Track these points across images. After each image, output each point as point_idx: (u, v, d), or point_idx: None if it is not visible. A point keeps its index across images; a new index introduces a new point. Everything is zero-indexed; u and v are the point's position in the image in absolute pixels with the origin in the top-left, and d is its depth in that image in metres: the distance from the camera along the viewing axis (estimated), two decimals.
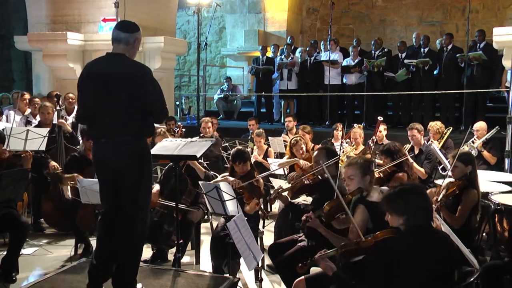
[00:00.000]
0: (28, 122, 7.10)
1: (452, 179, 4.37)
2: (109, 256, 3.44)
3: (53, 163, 5.92)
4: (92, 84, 3.36)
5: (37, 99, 7.46)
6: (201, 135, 7.27)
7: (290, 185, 4.42)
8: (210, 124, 7.41)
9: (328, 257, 2.99)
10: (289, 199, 4.54)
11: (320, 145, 7.27)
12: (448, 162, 4.55)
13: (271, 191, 6.15)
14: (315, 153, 4.43)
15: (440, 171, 6.07)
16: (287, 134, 7.82)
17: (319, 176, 4.19)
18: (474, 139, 6.56)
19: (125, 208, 3.38)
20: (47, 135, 5.81)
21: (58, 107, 6.48)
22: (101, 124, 3.37)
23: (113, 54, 3.39)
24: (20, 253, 4.71)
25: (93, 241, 4.33)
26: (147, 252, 5.09)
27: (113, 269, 3.45)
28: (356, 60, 9.75)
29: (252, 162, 6.44)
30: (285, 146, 6.73)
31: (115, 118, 3.31)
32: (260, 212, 4.63)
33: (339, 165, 5.06)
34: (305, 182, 4.20)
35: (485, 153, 6.45)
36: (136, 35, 3.41)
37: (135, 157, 3.36)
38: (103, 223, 3.51)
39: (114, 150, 3.33)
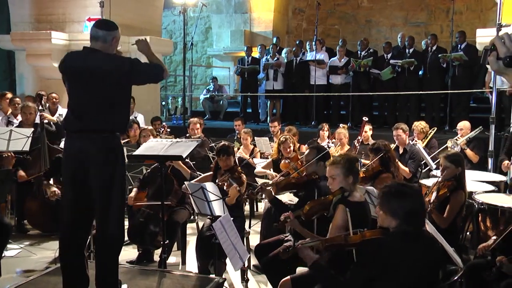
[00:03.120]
0: (9, 122, 7.00)
1: (439, 179, 4.40)
2: (75, 258, 3.38)
3: (53, 188, 5.48)
4: (70, 79, 3.34)
5: (17, 99, 7.37)
6: (188, 135, 7.24)
7: (275, 180, 4.41)
8: (198, 126, 7.37)
9: (311, 247, 2.98)
10: (273, 194, 4.52)
11: (306, 145, 7.30)
12: (439, 162, 4.58)
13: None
14: (306, 152, 4.42)
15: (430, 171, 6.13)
16: (273, 141, 7.70)
17: (306, 176, 4.19)
18: (458, 137, 6.64)
19: (96, 208, 3.33)
20: (31, 135, 5.74)
21: (40, 107, 6.40)
22: (76, 119, 3.32)
23: (90, 48, 3.36)
24: (3, 255, 4.64)
25: None
26: (133, 252, 5.06)
27: (85, 271, 3.40)
28: (343, 60, 9.80)
29: (237, 159, 6.44)
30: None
31: (89, 114, 3.27)
32: (245, 203, 4.61)
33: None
34: (292, 181, 4.20)
35: (468, 151, 6.53)
36: (114, 34, 3.37)
37: (108, 154, 3.31)
38: (66, 223, 3.40)
39: (86, 146, 3.28)
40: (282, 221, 3.54)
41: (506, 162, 5.27)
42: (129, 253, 5.06)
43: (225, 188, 4.51)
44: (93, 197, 3.33)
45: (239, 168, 4.89)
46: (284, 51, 11.07)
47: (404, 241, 2.64)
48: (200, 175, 5.28)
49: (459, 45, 8.85)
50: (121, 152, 3.41)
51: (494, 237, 3.70)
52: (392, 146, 6.27)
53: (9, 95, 7.62)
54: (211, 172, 5.07)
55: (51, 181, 5.62)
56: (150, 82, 3.55)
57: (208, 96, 12.25)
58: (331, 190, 3.52)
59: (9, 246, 5.08)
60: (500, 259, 3.21)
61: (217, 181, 4.63)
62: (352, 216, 3.25)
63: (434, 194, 4.19)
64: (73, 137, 3.37)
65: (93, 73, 3.25)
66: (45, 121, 6.29)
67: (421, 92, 8.90)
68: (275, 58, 10.56)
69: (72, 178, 3.36)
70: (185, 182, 4.59)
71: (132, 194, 5.06)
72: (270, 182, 4.43)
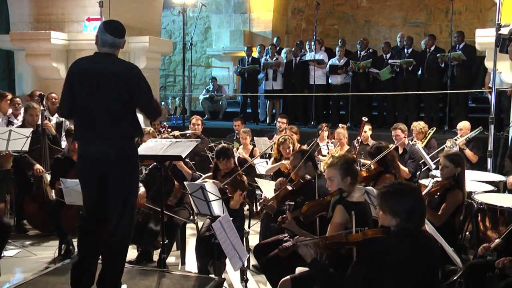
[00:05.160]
0: (9, 123, 6.99)
1: (439, 178, 4.40)
2: (91, 258, 3.42)
3: (38, 166, 5.83)
4: (84, 82, 3.30)
5: (18, 99, 7.35)
6: (188, 134, 7.25)
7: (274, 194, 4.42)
8: (200, 122, 7.42)
9: (310, 244, 2.98)
10: (276, 207, 4.52)
11: (306, 145, 7.31)
12: (439, 162, 4.57)
13: (257, 192, 6.18)
14: (291, 158, 4.45)
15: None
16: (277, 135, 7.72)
17: (301, 180, 4.21)
18: (457, 137, 6.65)
19: (111, 210, 3.35)
20: (30, 135, 5.73)
21: (42, 108, 6.41)
22: (91, 124, 3.31)
23: (103, 53, 3.35)
24: (2, 255, 4.64)
25: (75, 242, 4.28)
26: (132, 253, 5.06)
27: (95, 271, 3.42)
28: (342, 61, 9.80)
29: (237, 159, 6.45)
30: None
31: (106, 118, 3.27)
32: (246, 204, 4.62)
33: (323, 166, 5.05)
34: (289, 189, 4.20)
35: (467, 151, 6.53)
36: (124, 39, 3.41)
37: (124, 159, 3.33)
38: (84, 226, 3.45)
39: (104, 151, 3.29)
40: (280, 222, 3.54)
41: None
42: (128, 253, 5.04)
43: (228, 193, 4.51)
44: (107, 198, 3.35)
45: (240, 170, 4.88)
46: (283, 51, 11.08)
47: (403, 237, 2.66)
48: (201, 175, 5.29)
49: (457, 45, 8.86)
50: (136, 157, 3.44)
51: (497, 240, 3.67)
52: (392, 146, 6.28)
53: (10, 96, 7.59)
54: (210, 173, 5.07)
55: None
56: (145, 111, 3.42)
57: (207, 96, 12.25)
58: (330, 191, 3.53)
59: (8, 246, 5.08)
60: (502, 260, 3.20)
61: (221, 185, 4.62)
62: (350, 216, 3.26)
63: (426, 190, 4.19)
64: (87, 143, 3.37)
65: (110, 77, 3.25)
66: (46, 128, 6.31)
67: (420, 92, 8.90)
68: (274, 58, 10.57)
69: (88, 181, 3.39)
70: (185, 182, 4.59)
71: (141, 192, 4.88)
72: (270, 197, 4.44)
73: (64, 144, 6.79)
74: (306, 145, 7.37)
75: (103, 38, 3.33)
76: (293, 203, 4.55)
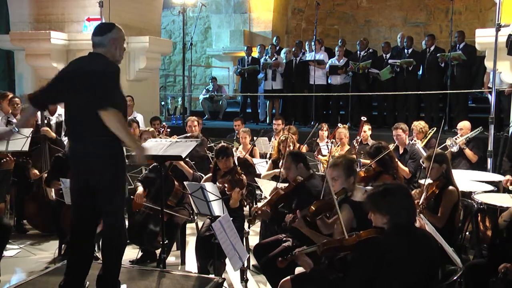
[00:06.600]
0: (8, 122, 6.98)
1: (426, 181, 4.42)
2: (82, 259, 3.42)
3: (34, 171, 5.79)
4: (63, 83, 3.35)
5: (17, 99, 7.35)
6: (188, 135, 7.24)
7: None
8: (196, 123, 7.38)
9: (309, 253, 3.00)
10: (270, 213, 4.50)
11: (305, 145, 7.31)
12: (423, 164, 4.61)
13: (257, 192, 6.18)
14: (284, 161, 4.45)
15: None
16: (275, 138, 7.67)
17: (293, 183, 4.21)
18: (457, 137, 6.65)
19: (101, 209, 3.38)
20: (30, 135, 5.73)
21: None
22: (75, 124, 3.37)
23: (91, 54, 3.39)
24: (2, 255, 4.64)
25: None
26: (133, 252, 5.06)
27: (86, 274, 3.44)
28: (342, 61, 9.81)
29: (236, 159, 6.45)
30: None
31: (86, 118, 3.26)
32: (246, 205, 4.61)
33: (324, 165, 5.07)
34: (281, 193, 4.19)
35: (467, 151, 6.53)
36: (109, 36, 3.34)
37: (110, 158, 3.33)
38: (74, 226, 3.45)
39: (88, 151, 3.30)
40: (290, 221, 3.54)
41: (507, 178, 5.19)
42: (129, 253, 5.05)
43: (226, 191, 4.51)
44: (94, 199, 3.36)
45: (239, 169, 4.89)
46: (283, 51, 11.08)
47: (397, 235, 2.68)
48: (201, 175, 5.29)
49: (457, 45, 8.87)
50: (121, 156, 3.43)
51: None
52: (392, 146, 6.28)
53: (11, 96, 7.58)
54: (210, 174, 5.07)
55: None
56: (94, 101, 3.19)
57: (207, 96, 12.25)
58: (333, 191, 3.52)
59: (8, 246, 5.07)
60: (505, 266, 3.20)
61: (217, 183, 4.63)
62: (356, 215, 3.27)
63: (424, 195, 4.20)
64: (75, 141, 3.42)
65: (82, 77, 3.24)
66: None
67: (420, 92, 8.91)
68: (274, 58, 10.57)
69: (77, 179, 3.43)
70: (185, 182, 4.60)
71: (140, 191, 4.93)
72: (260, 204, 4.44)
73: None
74: (306, 145, 7.38)
75: (91, 39, 3.41)
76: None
